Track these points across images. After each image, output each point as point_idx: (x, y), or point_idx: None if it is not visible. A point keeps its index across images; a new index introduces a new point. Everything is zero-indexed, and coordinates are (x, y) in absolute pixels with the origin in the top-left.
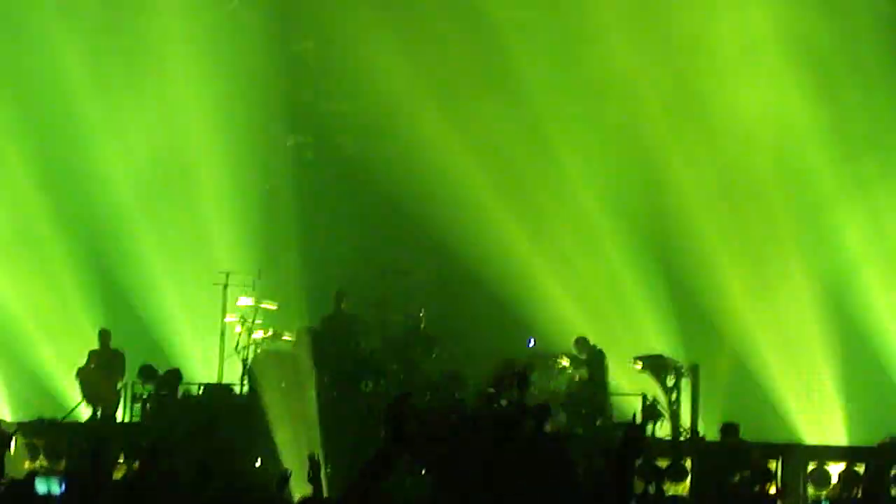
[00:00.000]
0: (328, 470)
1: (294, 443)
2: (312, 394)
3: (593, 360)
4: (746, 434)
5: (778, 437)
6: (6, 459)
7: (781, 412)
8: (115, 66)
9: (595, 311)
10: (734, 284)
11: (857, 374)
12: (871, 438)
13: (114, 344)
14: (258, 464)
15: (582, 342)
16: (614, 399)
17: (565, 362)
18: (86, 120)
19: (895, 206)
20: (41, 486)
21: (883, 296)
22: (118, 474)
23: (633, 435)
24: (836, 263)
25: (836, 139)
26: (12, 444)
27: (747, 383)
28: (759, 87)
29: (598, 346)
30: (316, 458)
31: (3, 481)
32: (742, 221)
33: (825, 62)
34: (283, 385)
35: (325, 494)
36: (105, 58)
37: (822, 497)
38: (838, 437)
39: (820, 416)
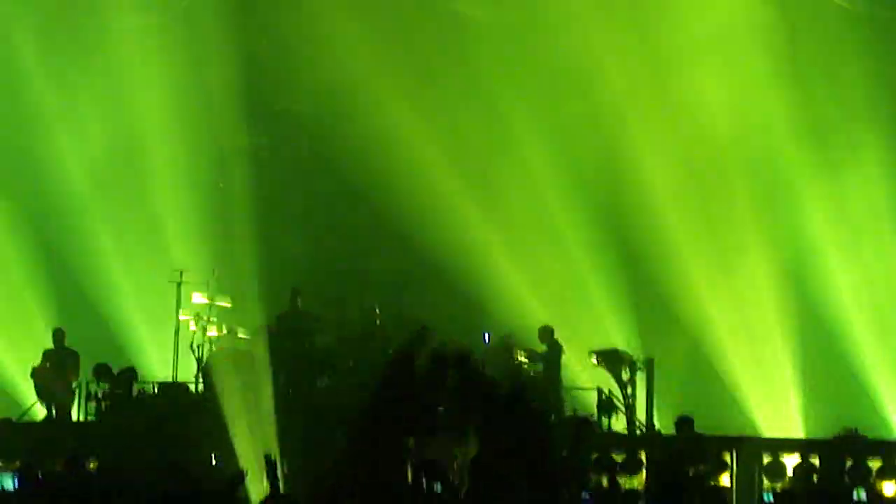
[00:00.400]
0: (284, 467)
1: (250, 440)
2: (268, 391)
3: (551, 354)
4: (704, 426)
5: (734, 429)
6: None
7: (738, 404)
8: (69, 62)
9: (553, 304)
10: (694, 271)
11: (817, 363)
12: (829, 430)
13: (68, 343)
14: (214, 462)
15: (546, 332)
16: (571, 394)
17: (521, 357)
18: (40, 115)
19: (861, 190)
20: None
21: (846, 282)
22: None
23: (584, 430)
24: (800, 248)
25: (803, 123)
26: None
27: (705, 374)
28: (724, 71)
29: (559, 340)
30: (272, 457)
31: None
32: (705, 206)
33: (792, 46)
34: (238, 383)
35: (282, 491)
36: (60, 53)
37: (777, 489)
38: (795, 428)
39: (777, 408)
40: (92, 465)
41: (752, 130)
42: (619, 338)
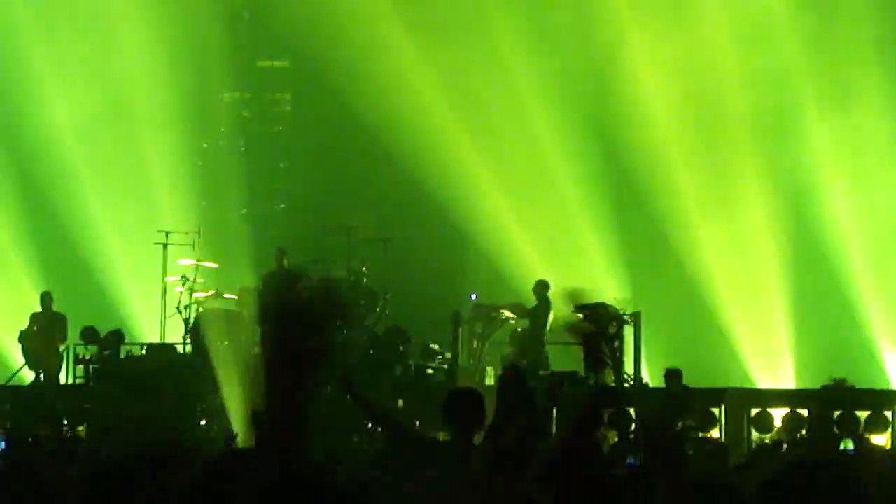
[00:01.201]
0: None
1: (239, 401)
2: (256, 352)
3: (539, 309)
4: (696, 378)
5: (727, 381)
6: None
7: (732, 354)
8: (56, 18)
9: (544, 255)
10: (689, 217)
11: (813, 311)
12: (822, 381)
13: (55, 306)
14: (203, 423)
15: (541, 286)
16: (557, 349)
17: (508, 314)
18: (26, 75)
19: (872, 122)
20: None
21: (846, 227)
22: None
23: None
24: (798, 191)
25: (806, 58)
26: None
27: (698, 324)
28: (728, 3)
29: (549, 297)
30: (259, 412)
31: None
32: (702, 149)
33: None
34: (226, 344)
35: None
36: (48, 9)
37: (766, 441)
38: (788, 379)
39: (771, 358)
40: (80, 429)
41: (754, 67)
42: (609, 289)
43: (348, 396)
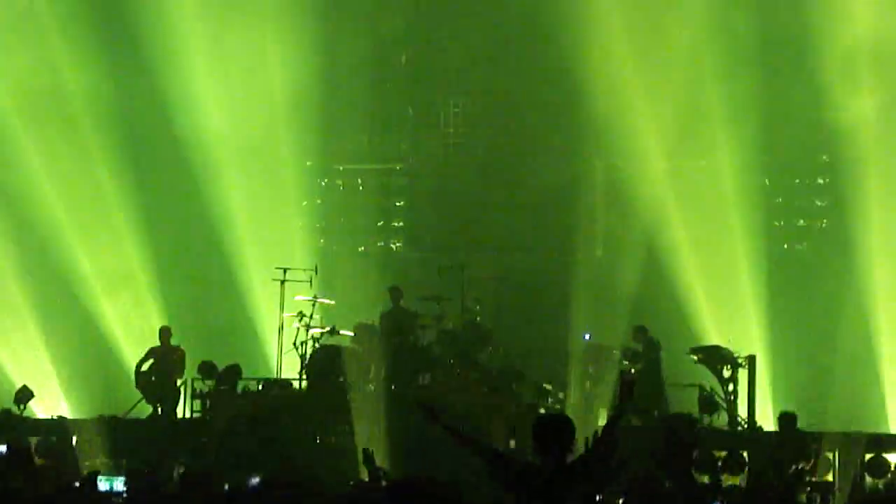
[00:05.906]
0: (386, 464)
1: (352, 436)
2: (370, 388)
3: (649, 352)
4: (812, 422)
5: (842, 425)
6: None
7: (847, 399)
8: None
9: (650, 301)
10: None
11: None
12: None
13: (174, 341)
14: (319, 458)
15: (640, 331)
16: (671, 391)
17: (619, 355)
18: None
19: None
20: (103, 485)
21: None
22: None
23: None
24: None
25: None
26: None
27: (819, 366)
28: None
29: (655, 338)
30: (370, 452)
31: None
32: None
33: None
34: (340, 380)
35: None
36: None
37: (881, 486)
38: None
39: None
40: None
41: None
42: (728, 332)
43: (435, 425)
